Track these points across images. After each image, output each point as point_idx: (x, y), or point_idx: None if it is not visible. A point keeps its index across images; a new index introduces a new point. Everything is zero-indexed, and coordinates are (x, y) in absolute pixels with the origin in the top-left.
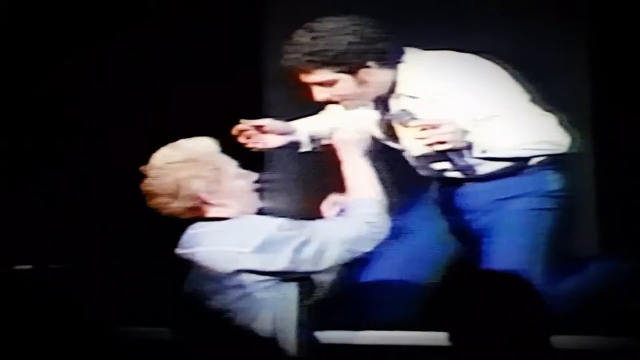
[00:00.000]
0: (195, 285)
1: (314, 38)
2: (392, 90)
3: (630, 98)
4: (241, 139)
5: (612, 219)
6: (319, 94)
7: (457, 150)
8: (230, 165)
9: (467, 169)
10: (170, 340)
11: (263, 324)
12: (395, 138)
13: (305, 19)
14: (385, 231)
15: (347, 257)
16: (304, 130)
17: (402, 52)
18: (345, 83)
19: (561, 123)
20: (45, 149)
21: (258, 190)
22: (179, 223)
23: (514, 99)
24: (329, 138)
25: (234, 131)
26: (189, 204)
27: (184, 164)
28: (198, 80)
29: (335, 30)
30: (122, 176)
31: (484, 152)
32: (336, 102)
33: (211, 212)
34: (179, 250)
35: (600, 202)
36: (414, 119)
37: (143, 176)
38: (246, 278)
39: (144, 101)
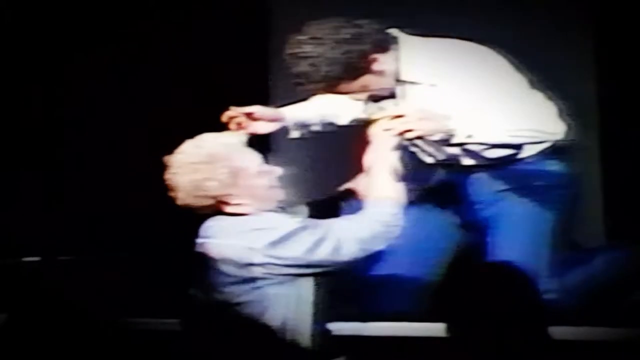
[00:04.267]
0: (207, 277)
1: (312, 65)
2: (397, 79)
3: (637, 86)
4: (231, 126)
5: (619, 208)
6: (356, 97)
7: (438, 139)
8: (251, 162)
9: (447, 157)
10: (178, 331)
11: (274, 317)
12: None
13: (309, 13)
14: (400, 230)
15: (362, 255)
16: (292, 116)
17: (394, 38)
18: (366, 81)
19: (561, 112)
20: (55, 139)
21: (279, 185)
22: (190, 215)
23: (510, 86)
24: (318, 125)
25: (224, 118)
26: (205, 202)
27: (200, 165)
28: (203, 74)
29: (330, 46)
30: (131, 169)
31: (469, 137)
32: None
33: (228, 209)
34: (198, 240)
35: (606, 192)
36: (380, 109)
37: (157, 168)
38: (258, 271)
39: (148, 95)
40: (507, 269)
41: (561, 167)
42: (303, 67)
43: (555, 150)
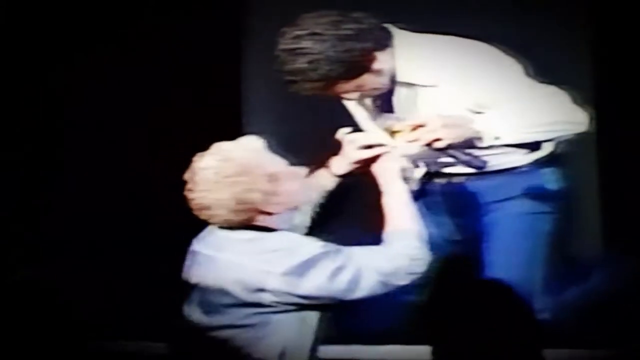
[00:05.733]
0: (204, 296)
1: (311, 62)
2: (393, 78)
3: (636, 92)
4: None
5: (617, 218)
6: (351, 97)
7: (462, 145)
8: (281, 166)
9: (477, 163)
10: (167, 355)
11: (272, 343)
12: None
13: (290, 14)
14: (425, 266)
15: (382, 289)
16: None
17: (391, 35)
18: (363, 81)
19: (576, 100)
20: (43, 151)
21: (306, 187)
22: (185, 232)
23: (520, 80)
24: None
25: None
26: (246, 216)
27: (237, 177)
28: (181, 79)
29: (331, 43)
30: (119, 180)
31: (497, 138)
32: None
33: (261, 221)
34: (195, 247)
35: (604, 201)
36: (398, 120)
37: (176, 184)
38: (267, 297)
39: (130, 103)
40: (498, 286)
41: (557, 176)
42: (300, 64)
43: (550, 158)
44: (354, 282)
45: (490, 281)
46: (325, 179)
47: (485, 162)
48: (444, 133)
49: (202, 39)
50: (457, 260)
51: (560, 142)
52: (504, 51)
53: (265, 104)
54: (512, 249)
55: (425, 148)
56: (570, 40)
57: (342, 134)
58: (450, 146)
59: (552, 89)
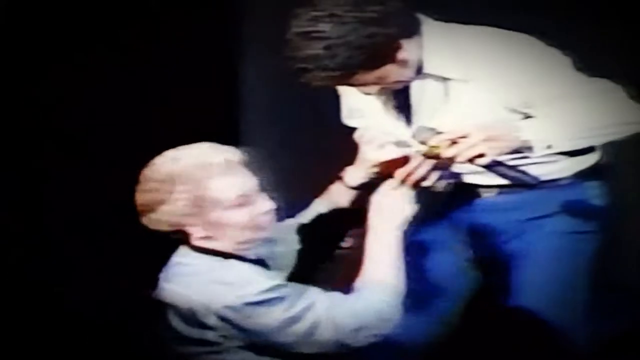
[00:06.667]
0: (163, 329)
1: (328, 48)
2: (419, 71)
3: None
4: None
5: None
6: (369, 90)
7: (509, 158)
8: (227, 193)
9: (529, 180)
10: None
11: None
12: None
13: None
14: (392, 326)
15: (334, 348)
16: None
17: (418, 22)
18: (386, 72)
19: (633, 97)
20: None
21: (262, 225)
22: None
23: (569, 74)
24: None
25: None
26: (164, 228)
27: (159, 184)
28: (176, 82)
29: (353, 26)
30: (115, 181)
31: (549, 147)
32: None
33: (204, 244)
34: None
35: None
36: (436, 133)
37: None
38: (212, 336)
39: (121, 105)
40: (533, 319)
41: (602, 190)
42: (315, 49)
43: (596, 169)
44: (309, 335)
45: (522, 311)
46: (338, 194)
47: (537, 179)
48: (488, 147)
49: (200, 40)
50: (485, 288)
51: (607, 149)
52: (547, 43)
53: (264, 108)
54: (548, 274)
55: (468, 165)
56: (622, 28)
57: (359, 133)
58: (495, 162)
59: (605, 84)
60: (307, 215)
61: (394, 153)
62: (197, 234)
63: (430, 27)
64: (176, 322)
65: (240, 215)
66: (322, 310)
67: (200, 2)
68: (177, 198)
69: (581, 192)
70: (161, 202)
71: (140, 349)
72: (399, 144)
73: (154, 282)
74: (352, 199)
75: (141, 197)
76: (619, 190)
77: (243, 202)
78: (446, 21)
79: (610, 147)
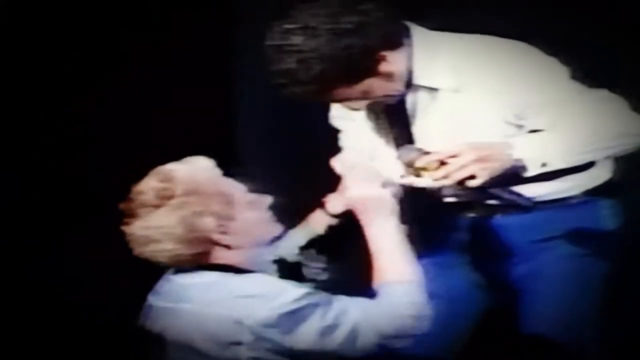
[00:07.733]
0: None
1: (301, 61)
2: (408, 83)
3: None
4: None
5: None
6: (355, 105)
7: (502, 179)
8: (240, 191)
9: (523, 202)
10: None
11: None
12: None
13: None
14: (427, 323)
15: (379, 351)
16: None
17: (407, 31)
18: (369, 85)
19: (636, 108)
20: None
21: (272, 219)
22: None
23: (566, 84)
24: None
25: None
26: (200, 248)
27: (185, 197)
28: (170, 84)
29: (326, 38)
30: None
31: (544, 165)
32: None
33: (221, 258)
34: (154, 301)
35: None
36: (423, 153)
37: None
38: (244, 352)
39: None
40: (546, 345)
41: (615, 209)
42: (288, 63)
43: (607, 187)
44: (350, 341)
45: (532, 338)
46: (316, 222)
47: (532, 201)
48: (479, 168)
49: (196, 41)
50: (492, 315)
51: (620, 165)
52: (544, 51)
53: (258, 114)
54: (558, 299)
55: (458, 187)
56: (621, 36)
57: (340, 161)
58: (487, 183)
59: (604, 94)
60: (284, 247)
61: (375, 190)
62: (230, 246)
63: (423, 37)
64: (203, 345)
65: (255, 214)
66: (358, 315)
67: (200, 2)
68: (214, 202)
69: (593, 212)
70: (194, 215)
71: (141, 349)
72: (383, 180)
73: (154, 281)
74: (328, 227)
75: (163, 223)
76: (633, 209)
77: (251, 199)
78: (440, 29)
79: (623, 163)
